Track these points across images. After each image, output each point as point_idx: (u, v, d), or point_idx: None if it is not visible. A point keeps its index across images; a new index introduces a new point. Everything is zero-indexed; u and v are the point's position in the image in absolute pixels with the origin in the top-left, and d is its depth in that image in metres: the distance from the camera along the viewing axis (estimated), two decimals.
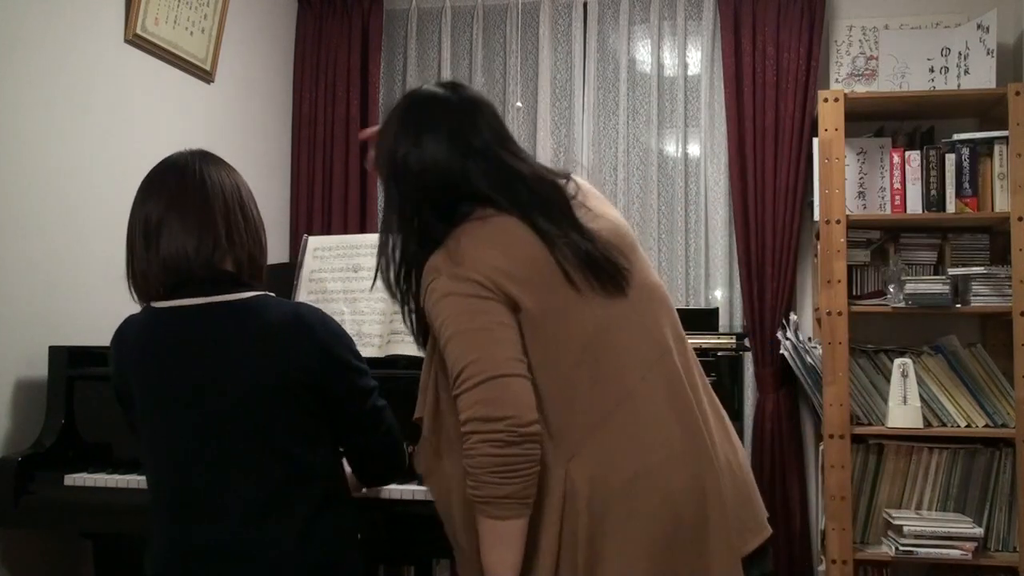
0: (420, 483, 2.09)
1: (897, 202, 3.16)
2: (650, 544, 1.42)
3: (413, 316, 1.59)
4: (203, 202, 1.63)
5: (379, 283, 1.59)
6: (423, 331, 1.57)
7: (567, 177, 1.60)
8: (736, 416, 2.09)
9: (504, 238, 1.48)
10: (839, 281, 3.05)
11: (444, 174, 1.52)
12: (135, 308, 1.76)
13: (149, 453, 1.65)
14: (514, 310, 1.44)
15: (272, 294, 1.68)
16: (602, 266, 1.49)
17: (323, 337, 1.62)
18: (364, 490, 1.98)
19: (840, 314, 3.03)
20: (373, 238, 2.50)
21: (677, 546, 1.43)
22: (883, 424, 3.07)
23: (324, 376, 1.61)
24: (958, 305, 3.04)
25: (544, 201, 1.53)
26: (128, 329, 1.69)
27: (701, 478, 1.46)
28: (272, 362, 1.58)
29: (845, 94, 3.10)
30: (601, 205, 1.61)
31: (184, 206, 1.63)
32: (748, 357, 3.39)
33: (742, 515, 1.51)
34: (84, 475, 2.22)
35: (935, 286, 3.03)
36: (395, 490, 2.05)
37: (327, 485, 1.66)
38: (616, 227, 1.58)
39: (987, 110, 3.22)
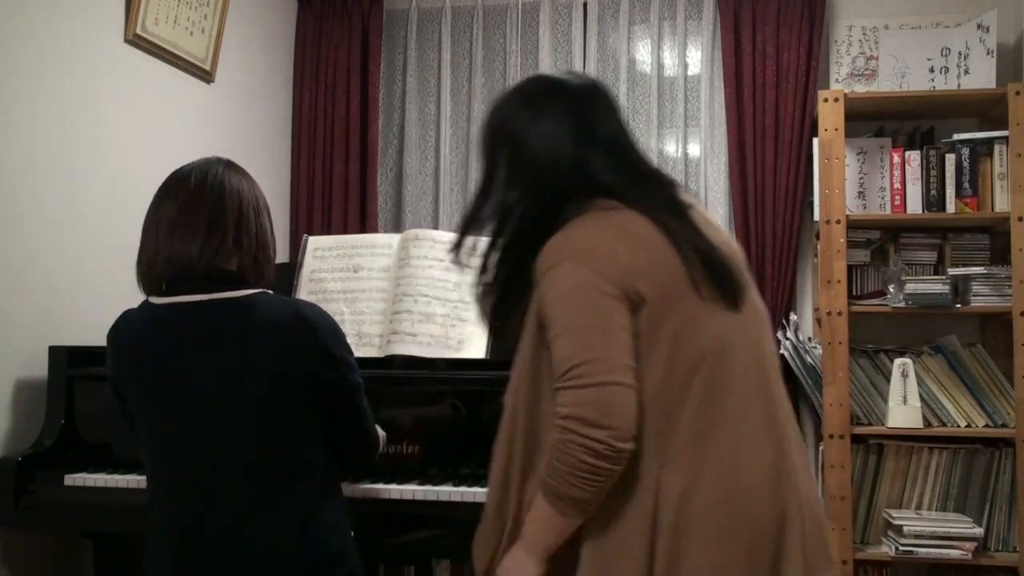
0: (420, 483, 2.09)
1: (897, 202, 3.16)
2: (729, 569, 1.39)
3: (494, 296, 1.55)
4: (217, 206, 1.65)
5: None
6: (505, 311, 1.54)
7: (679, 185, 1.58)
8: None
9: (634, 233, 1.43)
10: (839, 281, 3.04)
11: (563, 158, 1.48)
12: (133, 306, 1.77)
13: (147, 448, 1.66)
14: (635, 310, 1.40)
15: (270, 291, 1.69)
16: (725, 277, 1.46)
17: (323, 334, 1.64)
18: (366, 486, 1.99)
19: (840, 314, 3.03)
20: (373, 238, 2.52)
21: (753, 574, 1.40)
22: (883, 424, 3.07)
23: (323, 371, 1.64)
24: (958, 305, 3.04)
25: (668, 201, 1.50)
26: (125, 324, 1.70)
27: (786, 511, 1.43)
28: (272, 358, 1.59)
29: (845, 94, 3.10)
30: (710, 218, 1.58)
31: (197, 208, 1.65)
32: None
33: (816, 551, 1.47)
34: (84, 475, 2.22)
35: (935, 286, 3.03)
36: (395, 489, 2.05)
37: (324, 480, 1.68)
38: (728, 242, 1.55)
39: (987, 110, 3.22)
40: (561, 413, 1.37)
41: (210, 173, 1.69)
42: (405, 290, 2.36)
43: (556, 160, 1.48)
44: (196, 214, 1.65)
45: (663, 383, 1.40)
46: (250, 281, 1.67)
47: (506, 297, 1.54)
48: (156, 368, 1.63)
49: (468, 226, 1.57)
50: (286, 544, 1.59)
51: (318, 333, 1.63)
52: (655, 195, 1.50)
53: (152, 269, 1.66)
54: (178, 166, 3.16)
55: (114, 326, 1.72)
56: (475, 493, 2.05)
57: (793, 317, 3.32)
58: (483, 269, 1.55)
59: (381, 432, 1.90)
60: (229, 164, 1.74)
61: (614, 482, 1.37)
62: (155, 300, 1.66)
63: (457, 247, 1.57)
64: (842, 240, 3.06)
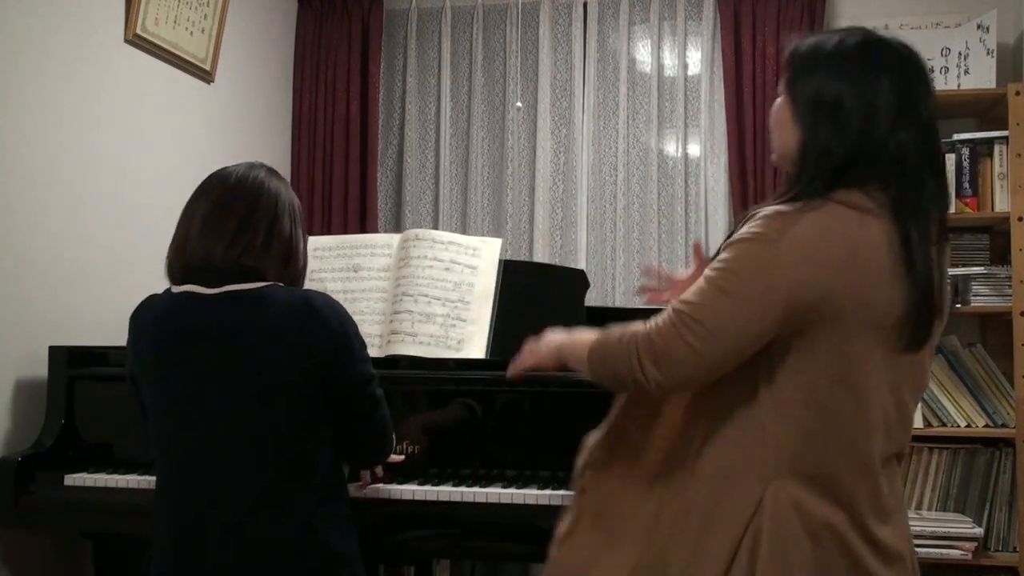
0: (420, 483, 2.09)
1: None
2: None
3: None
4: (252, 207, 1.69)
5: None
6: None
7: None
8: None
9: (859, 250, 1.33)
10: None
11: (879, 136, 1.36)
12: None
13: (157, 438, 1.68)
14: (793, 322, 1.33)
15: (281, 284, 1.70)
16: (924, 327, 1.40)
17: (334, 324, 1.65)
18: (374, 484, 2.00)
19: None
20: (373, 238, 2.52)
21: None
22: None
23: (335, 362, 1.65)
24: (958, 305, 3.04)
25: (930, 214, 1.42)
26: (146, 308, 1.73)
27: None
28: (283, 349, 1.61)
29: None
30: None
31: (231, 207, 1.69)
32: None
33: None
34: (84, 475, 2.22)
35: None
36: (395, 489, 2.05)
37: (327, 480, 1.69)
38: (946, 273, 1.48)
39: (987, 110, 3.22)
40: (646, 330, 1.38)
41: (250, 176, 1.73)
42: (405, 290, 2.36)
43: (869, 131, 1.36)
44: (229, 213, 1.68)
45: (808, 404, 1.35)
46: (265, 276, 1.68)
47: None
48: (168, 356, 1.65)
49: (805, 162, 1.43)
50: (289, 543, 1.60)
51: (328, 322, 1.64)
52: (928, 204, 1.41)
53: (178, 260, 1.70)
54: (178, 166, 3.20)
55: (136, 310, 1.74)
56: (475, 493, 2.05)
57: None
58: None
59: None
60: (270, 170, 1.78)
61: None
62: (175, 289, 1.69)
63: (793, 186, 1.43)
64: None
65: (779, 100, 1.48)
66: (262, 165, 1.78)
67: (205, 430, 1.62)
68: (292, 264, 1.73)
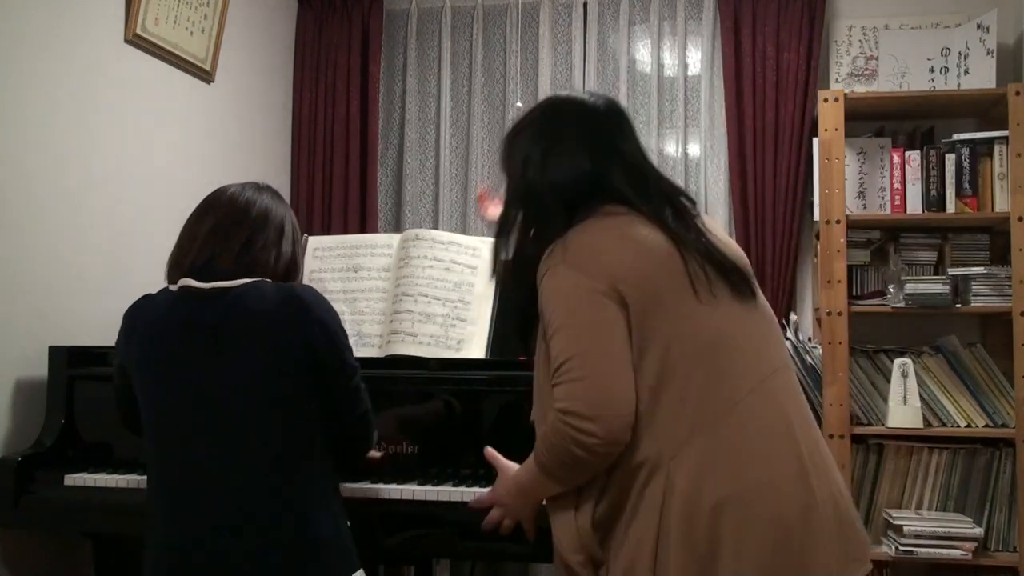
0: (420, 483, 2.09)
1: (897, 202, 3.16)
2: (754, 565, 1.39)
3: (520, 312, 1.62)
4: (260, 225, 1.76)
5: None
6: (528, 327, 1.59)
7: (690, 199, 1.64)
8: None
9: (630, 235, 1.50)
10: (839, 281, 3.05)
11: (582, 173, 1.56)
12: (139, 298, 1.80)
13: (149, 431, 1.70)
14: (625, 307, 1.44)
15: (268, 280, 1.73)
16: (731, 270, 1.52)
17: (320, 313, 1.70)
18: (366, 485, 2.00)
19: (840, 314, 3.03)
20: (373, 238, 2.52)
21: (779, 571, 1.40)
22: (883, 424, 3.07)
23: (323, 349, 1.68)
24: (958, 305, 3.04)
25: (674, 205, 1.56)
26: (143, 305, 1.77)
27: (805, 505, 1.42)
28: (273, 339, 1.65)
29: (845, 94, 3.10)
30: (716, 226, 1.64)
31: (240, 223, 1.76)
32: None
33: (844, 546, 1.47)
34: (84, 475, 2.22)
35: (935, 286, 3.03)
36: (395, 489, 2.05)
37: (322, 466, 1.71)
38: (736, 249, 1.62)
39: (987, 110, 3.22)
40: (557, 406, 1.41)
41: (257, 199, 1.79)
42: (405, 290, 2.36)
43: (573, 179, 1.56)
44: (240, 226, 1.75)
45: (662, 374, 1.42)
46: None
47: (529, 315, 1.57)
48: (164, 348, 1.69)
49: (498, 242, 1.64)
50: (286, 529, 1.61)
51: (314, 310, 1.68)
52: (659, 197, 1.56)
53: (179, 266, 1.75)
54: (178, 166, 3.20)
55: (132, 307, 1.78)
56: (475, 493, 2.04)
57: (793, 317, 3.32)
58: (510, 283, 1.64)
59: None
60: (275, 193, 1.85)
61: (613, 466, 1.42)
62: (172, 287, 1.74)
63: (494, 265, 1.67)
64: (842, 240, 3.06)
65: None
66: (267, 187, 1.84)
67: (200, 418, 1.65)
68: (280, 269, 1.79)
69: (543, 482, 1.50)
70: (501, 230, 1.63)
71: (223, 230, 1.74)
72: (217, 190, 1.82)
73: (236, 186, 1.82)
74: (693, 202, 1.62)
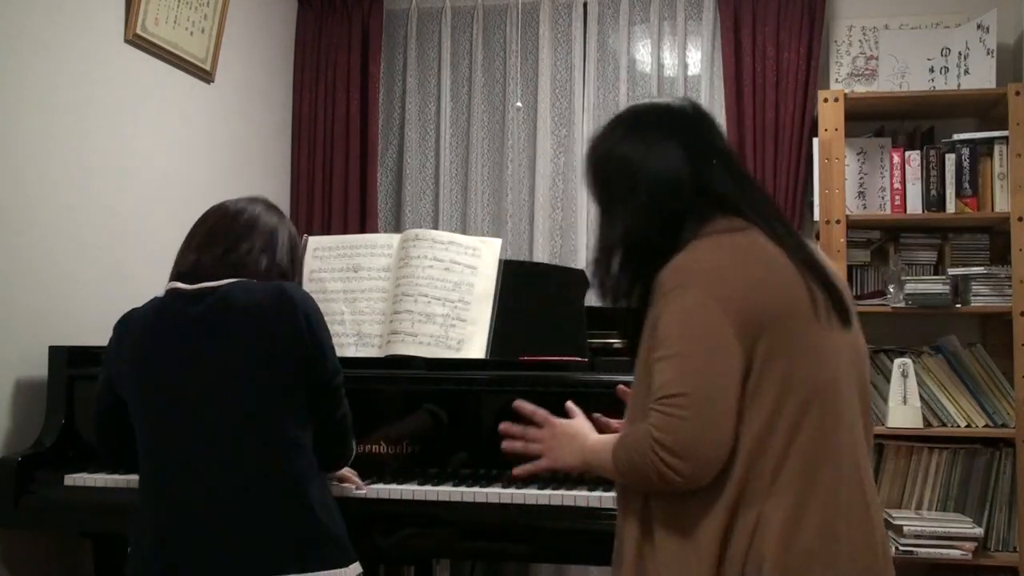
0: (420, 483, 2.09)
1: (897, 202, 3.16)
2: None
3: (631, 319, 1.53)
4: (241, 237, 1.79)
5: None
6: (637, 331, 1.50)
7: None
8: None
9: (758, 256, 1.42)
10: None
11: (683, 177, 1.48)
12: (134, 306, 1.79)
13: (141, 432, 1.72)
14: (752, 343, 1.37)
15: (254, 280, 1.75)
16: (839, 297, 1.45)
17: (306, 310, 1.71)
18: (364, 490, 2.00)
19: None
20: (373, 238, 2.52)
21: None
22: (883, 424, 3.07)
23: (309, 345, 1.70)
24: (958, 305, 3.04)
25: (779, 217, 1.50)
26: (132, 315, 1.80)
27: (876, 560, 1.41)
28: (261, 335, 1.67)
29: (845, 94, 3.10)
30: (814, 244, 1.60)
31: (219, 232, 1.79)
32: None
33: None
34: (84, 475, 2.22)
35: (935, 286, 3.03)
36: (395, 489, 2.05)
37: (312, 460, 1.72)
38: (834, 268, 1.55)
39: (987, 110, 3.22)
40: (651, 433, 1.36)
41: (247, 209, 1.82)
42: (405, 290, 2.36)
43: (676, 180, 1.48)
44: (220, 238, 1.78)
45: (771, 422, 1.37)
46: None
47: (639, 318, 1.50)
48: (153, 349, 1.72)
49: (600, 261, 1.55)
50: (279, 522, 1.62)
51: (300, 308, 1.70)
52: (768, 210, 1.49)
53: (173, 276, 1.80)
54: (178, 166, 3.20)
55: (121, 318, 1.81)
56: (475, 493, 2.04)
57: None
58: (616, 295, 1.54)
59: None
60: (269, 204, 1.87)
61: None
62: (159, 296, 1.77)
63: (599, 283, 1.57)
64: (842, 240, 3.06)
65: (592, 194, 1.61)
66: (263, 200, 1.87)
67: (191, 415, 1.67)
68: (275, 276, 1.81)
69: (611, 473, 1.48)
70: (602, 253, 1.54)
71: (210, 235, 1.78)
72: (211, 207, 1.86)
73: (233, 200, 1.86)
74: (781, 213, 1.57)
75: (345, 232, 3.67)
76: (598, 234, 1.58)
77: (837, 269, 1.56)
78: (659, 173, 1.49)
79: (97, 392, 1.83)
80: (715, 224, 1.45)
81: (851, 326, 1.47)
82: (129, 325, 1.78)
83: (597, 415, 1.73)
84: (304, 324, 1.69)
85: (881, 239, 3.27)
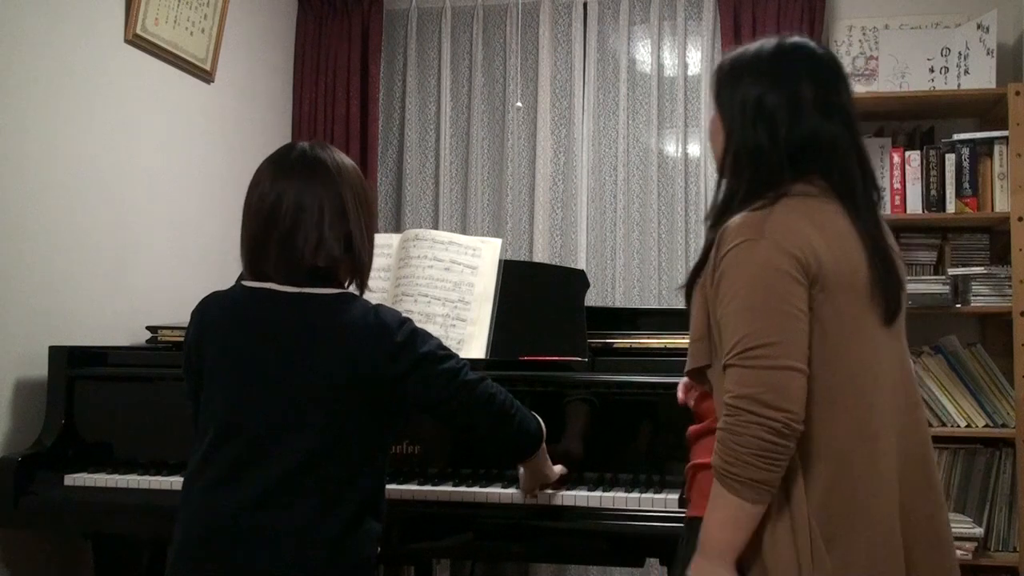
0: (420, 483, 2.09)
1: (897, 202, 3.16)
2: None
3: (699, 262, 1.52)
4: (291, 230, 1.65)
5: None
6: (695, 280, 1.50)
7: None
8: None
9: (828, 226, 1.42)
10: None
11: (810, 128, 1.45)
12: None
13: (210, 428, 1.66)
14: (811, 288, 1.39)
15: (355, 293, 1.70)
16: (892, 292, 1.45)
17: (399, 337, 1.64)
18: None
19: None
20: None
21: None
22: None
23: (399, 373, 1.63)
24: (958, 305, 3.04)
25: (869, 195, 1.49)
26: (215, 300, 1.73)
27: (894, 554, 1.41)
28: (346, 358, 1.61)
29: None
30: (888, 231, 1.56)
31: (269, 231, 1.66)
32: None
33: None
34: (84, 475, 2.22)
35: (935, 286, 3.03)
36: (395, 490, 2.05)
37: (370, 490, 1.66)
38: (898, 251, 1.55)
39: (987, 110, 3.22)
40: (735, 392, 1.35)
41: (286, 193, 1.67)
42: (405, 290, 2.36)
43: (792, 122, 1.46)
44: (269, 233, 1.66)
45: (823, 387, 1.39)
46: (339, 278, 1.70)
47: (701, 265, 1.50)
48: (238, 347, 1.65)
49: (720, 169, 1.53)
50: (319, 544, 1.58)
51: (394, 336, 1.63)
52: (862, 186, 1.48)
53: (248, 257, 1.69)
54: (178, 166, 3.19)
55: (202, 302, 1.74)
56: (475, 493, 2.05)
57: None
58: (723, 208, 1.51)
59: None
60: (312, 164, 1.71)
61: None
62: (248, 283, 1.69)
63: (716, 217, 1.51)
64: None
65: (712, 115, 1.57)
66: (303, 167, 1.69)
67: (261, 426, 1.61)
68: (354, 260, 1.70)
69: (737, 512, 1.37)
70: (722, 177, 1.52)
71: (257, 235, 1.67)
72: (253, 179, 1.72)
73: (266, 176, 1.70)
74: (879, 194, 1.55)
75: None
76: (723, 154, 1.53)
77: (902, 265, 1.54)
78: (789, 129, 1.45)
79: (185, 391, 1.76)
80: (795, 187, 1.44)
81: (897, 321, 1.47)
82: (210, 315, 1.70)
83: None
84: (394, 356, 1.62)
85: None
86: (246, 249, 1.69)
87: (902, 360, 1.49)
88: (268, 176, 1.69)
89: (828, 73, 1.50)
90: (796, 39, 1.54)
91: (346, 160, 1.74)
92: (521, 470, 1.97)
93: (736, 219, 1.43)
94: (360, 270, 1.73)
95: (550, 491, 2.01)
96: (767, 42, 1.54)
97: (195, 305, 1.74)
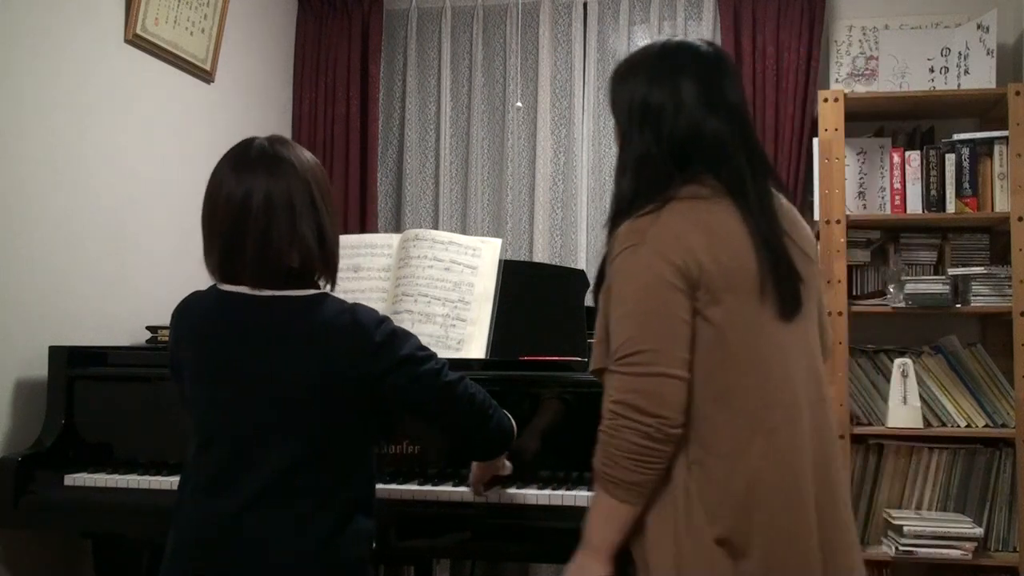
0: (420, 483, 2.09)
1: (897, 202, 3.16)
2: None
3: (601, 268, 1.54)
4: (265, 226, 1.62)
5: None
6: (600, 283, 1.53)
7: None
8: None
9: (716, 230, 1.43)
10: (839, 281, 3.05)
11: (694, 125, 1.47)
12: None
13: (196, 431, 1.66)
14: (695, 307, 1.41)
15: (330, 293, 1.69)
16: (788, 288, 1.46)
17: (378, 337, 1.62)
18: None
19: (840, 314, 3.03)
20: (373, 238, 2.52)
21: None
22: (883, 424, 3.07)
23: (378, 373, 1.62)
24: (958, 305, 3.04)
25: (761, 191, 1.49)
26: (194, 303, 1.71)
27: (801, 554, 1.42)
28: (326, 360, 1.60)
29: (845, 94, 3.10)
30: (794, 212, 1.58)
31: (242, 229, 1.62)
32: None
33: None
34: (84, 475, 2.22)
35: (935, 286, 3.03)
36: (395, 490, 2.05)
37: (360, 490, 1.67)
38: (807, 235, 1.57)
39: (987, 110, 3.22)
40: (613, 397, 1.39)
41: (254, 189, 1.63)
42: (405, 290, 2.36)
43: (674, 120, 1.48)
44: (243, 232, 1.62)
45: (704, 377, 1.41)
46: (316, 279, 1.68)
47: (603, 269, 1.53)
48: (215, 352, 1.64)
49: (616, 182, 1.55)
50: (310, 546, 1.58)
51: (372, 336, 1.62)
52: (754, 180, 1.49)
53: (213, 259, 1.66)
54: (178, 166, 3.19)
55: (181, 304, 1.72)
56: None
57: None
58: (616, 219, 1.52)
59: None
60: (273, 160, 1.66)
61: (665, 465, 1.40)
62: (223, 287, 1.67)
63: (611, 221, 1.54)
64: (842, 240, 3.06)
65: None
66: (260, 157, 1.65)
67: (245, 429, 1.61)
68: (327, 255, 1.67)
69: (614, 511, 1.42)
70: (617, 174, 1.54)
71: (230, 235, 1.63)
72: (212, 180, 1.68)
73: (229, 175, 1.65)
74: (781, 184, 1.56)
75: (345, 232, 3.65)
76: (618, 156, 1.57)
77: (809, 246, 1.56)
78: (673, 126, 1.48)
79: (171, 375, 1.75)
80: (685, 190, 1.46)
81: (800, 316, 1.47)
82: (187, 320, 1.68)
83: None
84: (373, 358, 1.61)
85: (881, 239, 3.27)
86: (218, 251, 1.64)
87: (809, 356, 1.50)
88: (231, 174, 1.64)
89: (713, 71, 1.52)
90: (681, 39, 1.57)
91: (307, 154, 1.70)
92: (474, 465, 1.97)
93: (624, 225, 1.46)
94: (332, 266, 1.71)
95: (549, 491, 2.01)
96: (654, 44, 1.59)
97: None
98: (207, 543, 1.59)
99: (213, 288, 1.69)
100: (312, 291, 1.66)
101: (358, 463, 1.66)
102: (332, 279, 1.72)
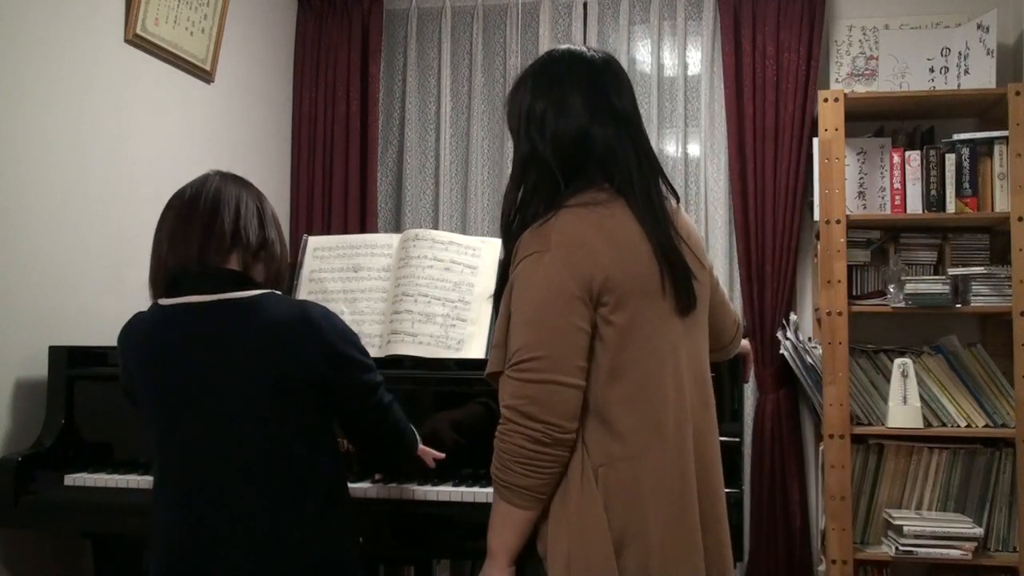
0: (419, 483, 2.09)
1: (897, 202, 3.16)
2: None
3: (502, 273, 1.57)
4: (213, 209, 1.68)
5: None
6: (502, 287, 1.55)
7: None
8: (736, 417, 2.10)
9: (615, 234, 1.45)
10: (839, 281, 3.05)
11: (579, 130, 1.49)
12: (134, 306, 1.78)
13: (155, 447, 1.67)
14: (596, 307, 1.43)
15: (278, 292, 1.69)
16: (683, 286, 1.49)
17: (329, 335, 1.64)
18: (378, 476, 2.00)
19: (840, 314, 3.03)
20: (373, 238, 2.52)
21: None
22: (883, 424, 3.07)
23: (329, 373, 1.63)
24: (958, 305, 3.04)
25: (650, 194, 1.51)
26: (135, 325, 1.72)
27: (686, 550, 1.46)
28: (277, 360, 1.60)
29: (845, 94, 3.10)
30: (682, 214, 1.60)
31: (193, 214, 1.68)
32: None
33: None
34: (84, 475, 2.22)
35: (935, 286, 3.03)
36: (395, 489, 2.05)
37: (330, 485, 1.67)
38: (696, 237, 1.59)
39: (987, 110, 3.22)
40: (504, 402, 1.42)
41: (206, 184, 1.73)
42: (405, 290, 2.36)
43: (558, 125, 1.50)
44: (192, 220, 1.67)
45: (609, 380, 1.44)
46: (256, 281, 1.68)
47: (505, 275, 1.55)
48: (163, 367, 1.64)
49: (507, 195, 1.57)
50: (289, 548, 1.59)
51: (322, 334, 1.63)
52: (644, 183, 1.51)
53: (158, 275, 1.69)
54: (178, 166, 3.20)
55: (125, 327, 1.73)
56: (475, 493, 2.05)
57: (793, 317, 3.33)
58: (508, 232, 1.55)
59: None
60: (225, 174, 1.77)
61: (560, 469, 1.42)
62: (163, 301, 1.67)
63: (506, 230, 1.56)
64: (842, 240, 3.06)
65: None
66: (216, 172, 1.77)
67: (203, 438, 1.61)
68: (267, 255, 1.71)
69: (510, 515, 1.45)
70: (509, 187, 1.57)
71: (181, 223, 1.67)
72: (171, 197, 1.75)
73: (185, 185, 1.75)
74: (671, 187, 1.59)
75: (345, 232, 3.67)
76: (511, 170, 1.60)
77: (698, 248, 1.58)
78: (556, 129, 1.50)
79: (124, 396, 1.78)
80: (582, 196, 1.48)
81: (694, 313, 1.51)
82: (132, 339, 1.69)
83: None
84: (326, 356, 1.62)
85: (881, 239, 3.27)
86: (163, 259, 1.67)
87: (697, 360, 1.54)
88: (183, 188, 1.73)
89: (601, 78, 1.53)
90: (568, 47, 1.59)
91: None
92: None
93: (528, 231, 1.47)
94: (277, 272, 1.73)
95: None
96: (542, 55, 1.61)
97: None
98: (183, 558, 1.61)
99: (154, 306, 1.69)
100: (258, 291, 1.65)
101: (323, 457, 1.67)
102: (279, 287, 1.73)
